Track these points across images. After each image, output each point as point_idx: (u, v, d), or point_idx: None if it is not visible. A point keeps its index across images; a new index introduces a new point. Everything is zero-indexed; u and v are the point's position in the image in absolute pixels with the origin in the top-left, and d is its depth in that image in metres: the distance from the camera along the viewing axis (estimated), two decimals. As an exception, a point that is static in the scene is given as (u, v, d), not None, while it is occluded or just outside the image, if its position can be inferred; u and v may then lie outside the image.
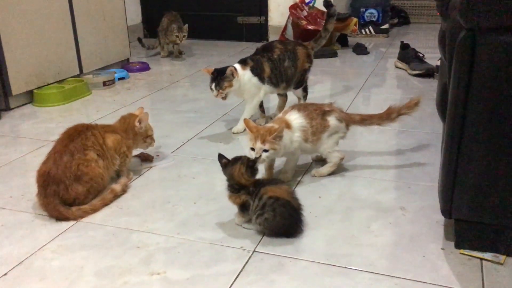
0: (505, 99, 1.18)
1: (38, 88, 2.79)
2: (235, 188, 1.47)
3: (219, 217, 1.57)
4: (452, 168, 1.28)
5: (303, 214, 1.47)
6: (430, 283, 1.25)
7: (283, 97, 2.47)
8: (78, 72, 3.10)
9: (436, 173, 1.51)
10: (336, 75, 3.37)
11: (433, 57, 3.24)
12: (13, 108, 2.69)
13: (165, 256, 1.38)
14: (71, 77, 3.02)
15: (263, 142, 1.60)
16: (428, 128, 2.30)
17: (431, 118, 2.35)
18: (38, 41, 2.78)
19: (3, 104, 2.64)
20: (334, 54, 3.82)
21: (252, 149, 1.62)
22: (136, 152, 1.95)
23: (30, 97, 2.78)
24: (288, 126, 1.72)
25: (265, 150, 1.61)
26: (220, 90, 2.13)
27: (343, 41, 4.13)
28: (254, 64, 2.21)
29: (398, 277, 1.28)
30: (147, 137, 1.90)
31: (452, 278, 1.27)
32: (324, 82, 3.18)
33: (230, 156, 1.51)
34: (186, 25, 3.71)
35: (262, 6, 4.39)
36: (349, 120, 1.84)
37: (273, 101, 2.64)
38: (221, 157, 1.50)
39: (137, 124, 1.84)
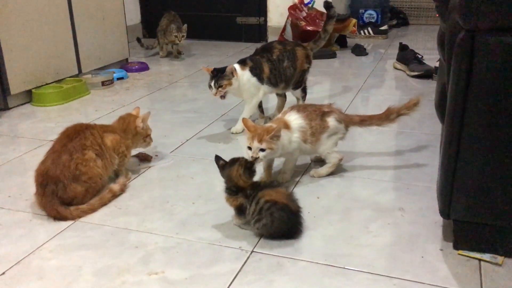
0: (504, 99, 1.18)
1: (37, 87, 2.79)
2: (232, 190, 1.46)
3: (218, 217, 1.57)
4: (450, 169, 1.28)
5: (302, 217, 1.47)
6: (429, 284, 1.25)
7: (282, 97, 2.47)
8: (77, 72, 3.10)
9: (434, 174, 1.51)
10: (335, 76, 3.38)
11: (432, 59, 3.24)
12: (11, 108, 2.69)
13: (164, 256, 1.38)
14: (69, 76, 3.02)
15: (260, 141, 1.60)
16: (427, 129, 2.30)
17: (430, 119, 2.35)
18: (37, 41, 2.78)
19: (2, 103, 2.64)
20: (333, 55, 3.82)
21: (249, 148, 1.62)
22: (134, 152, 1.95)
23: (28, 96, 2.78)
24: (287, 126, 1.72)
25: (262, 150, 1.61)
26: (220, 89, 2.13)
27: (342, 42, 4.13)
28: (253, 65, 2.21)
29: (397, 278, 1.28)
30: (147, 136, 1.90)
31: (450, 279, 1.27)
32: (323, 83, 3.18)
33: (228, 156, 1.51)
34: (185, 25, 3.71)
35: (261, 7, 4.39)
36: (349, 121, 1.84)
37: (272, 101, 2.64)
38: (218, 158, 1.49)
39: (139, 124, 1.84)
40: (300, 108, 1.81)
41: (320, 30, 2.48)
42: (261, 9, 4.40)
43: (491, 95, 1.19)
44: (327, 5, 2.49)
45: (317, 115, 1.78)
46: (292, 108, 1.82)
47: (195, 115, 2.57)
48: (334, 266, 1.33)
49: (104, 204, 1.65)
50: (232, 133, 2.29)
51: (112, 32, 3.40)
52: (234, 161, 1.47)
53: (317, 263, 1.34)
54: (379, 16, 4.51)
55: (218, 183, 1.72)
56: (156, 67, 3.61)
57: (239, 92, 2.22)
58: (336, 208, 1.63)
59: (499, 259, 1.33)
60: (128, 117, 1.87)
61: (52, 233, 1.50)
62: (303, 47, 2.36)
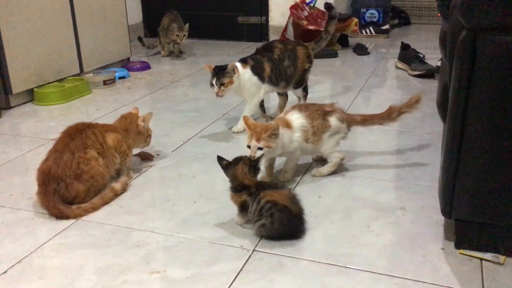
0: (506, 98, 1.18)
1: (39, 86, 2.79)
2: (237, 189, 1.47)
3: (219, 216, 1.57)
4: (452, 168, 1.28)
5: (304, 219, 1.46)
6: (430, 283, 1.25)
7: (284, 96, 2.47)
8: (79, 71, 3.10)
9: (436, 173, 1.51)
10: (337, 75, 3.37)
11: (434, 58, 3.24)
12: (13, 107, 2.69)
13: (165, 255, 1.38)
14: (71, 76, 3.02)
15: (258, 140, 1.60)
16: (428, 128, 2.30)
17: (431, 119, 2.35)
18: (39, 40, 2.78)
19: (4, 102, 2.64)
20: (334, 55, 3.82)
21: (249, 146, 1.62)
22: (136, 151, 1.95)
23: (30, 95, 2.78)
24: (288, 126, 1.72)
25: (260, 148, 1.61)
26: (222, 87, 2.12)
27: (343, 42, 4.13)
28: (254, 64, 2.21)
29: (398, 277, 1.28)
30: (148, 136, 1.90)
31: (452, 278, 1.27)
32: (324, 82, 3.18)
33: (230, 156, 1.51)
34: (187, 25, 3.71)
35: (263, 6, 4.38)
36: (351, 121, 1.84)
37: (273, 100, 2.64)
38: (220, 159, 1.49)
39: (140, 123, 1.85)
40: (302, 107, 1.81)
41: (322, 29, 2.48)
42: (263, 9, 4.39)
43: (493, 94, 1.19)
44: (328, 6, 2.49)
45: (319, 114, 1.78)
46: (294, 107, 1.82)
47: (197, 114, 2.57)
48: (335, 265, 1.33)
49: (105, 203, 1.65)
50: (234, 132, 2.29)
51: (114, 31, 3.40)
52: (238, 160, 1.48)
53: (319, 262, 1.34)
54: (381, 15, 4.51)
55: (220, 182, 1.72)
56: (158, 67, 3.62)
57: (240, 91, 2.22)
58: (337, 207, 1.63)
59: (501, 258, 1.33)
60: (130, 116, 1.87)
61: (54, 231, 1.50)
62: (304, 47, 2.36)
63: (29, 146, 2.15)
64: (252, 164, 1.47)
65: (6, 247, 1.43)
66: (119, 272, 1.31)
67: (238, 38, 4.48)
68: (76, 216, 1.57)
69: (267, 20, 4.42)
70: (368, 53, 3.92)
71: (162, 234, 1.48)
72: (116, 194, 1.70)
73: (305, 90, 2.41)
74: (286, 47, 2.29)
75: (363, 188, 1.76)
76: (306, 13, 3.93)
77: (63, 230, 1.51)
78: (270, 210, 1.39)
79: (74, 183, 1.58)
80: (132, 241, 1.45)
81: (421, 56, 3.32)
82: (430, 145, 2.11)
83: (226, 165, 1.48)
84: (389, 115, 1.85)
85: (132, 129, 1.84)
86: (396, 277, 1.28)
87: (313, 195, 1.70)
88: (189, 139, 2.23)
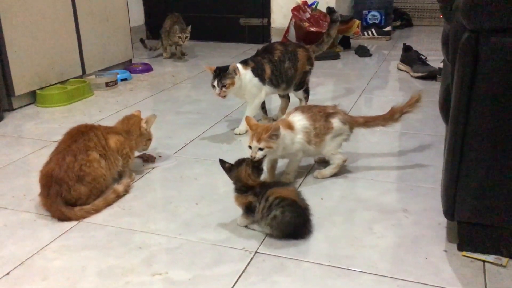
0: (509, 100, 1.18)
1: (41, 88, 2.80)
2: (242, 190, 1.47)
3: (221, 218, 1.57)
4: (455, 170, 1.28)
5: (311, 213, 1.47)
6: (433, 285, 1.25)
7: (285, 98, 2.47)
8: (81, 73, 3.11)
9: (438, 175, 1.51)
10: (338, 77, 3.37)
11: (436, 60, 3.24)
12: (16, 109, 2.69)
13: (167, 257, 1.38)
14: (73, 78, 3.02)
15: (259, 140, 1.60)
16: (430, 130, 2.29)
17: (433, 120, 2.34)
18: (41, 42, 2.79)
19: (6, 104, 2.65)
20: (336, 56, 3.82)
21: (250, 147, 1.62)
22: (137, 153, 1.95)
23: (33, 97, 2.79)
24: (291, 127, 1.72)
25: (260, 149, 1.61)
26: (223, 89, 2.12)
27: (345, 43, 4.13)
28: (255, 65, 2.22)
29: (401, 279, 1.27)
30: (148, 139, 1.90)
31: (454, 280, 1.27)
32: (326, 84, 3.18)
33: (232, 157, 1.52)
34: (189, 26, 3.71)
35: (265, 8, 4.39)
36: (353, 123, 1.84)
37: (275, 102, 2.64)
38: (223, 162, 1.50)
39: (143, 124, 1.85)
40: (305, 109, 1.81)
41: (324, 31, 2.49)
42: (265, 11, 4.40)
43: (495, 95, 1.19)
44: (330, 10, 2.50)
45: (321, 116, 1.77)
46: (297, 109, 1.82)
47: (199, 116, 2.57)
48: (337, 267, 1.33)
49: (108, 204, 1.65)
50: (236, 134, 2.29)
51: (116, 33, 3.41)
52: (240, 162, 1.48)
53: (321, 264, 1.34)
54: (383, 17, 4.51)
55: (221, 184, 1.72)
56: (160, 68, 3.62)
57: (240, 92, 2.22)
58: (339, 209, 1.63)
59: (504, 260, 1.32)
60: (133, 118, 1.87)
61: (56, 233, 1.50)
62: (305, 49, 2.36)
63: (32, 148, 2.16)
64: (255, 165, 1.47)
65: (9, 248, 1.43)
66: (121, 274, 1.31)
67: (240, 40, 4.48)
68: (79, 218, 1.57)
69: (269, 22, 4.42)
70: (370, 55, 3.92)
71: (164, 236, 1.48)
72: (118, 196, 1.70)
73: (306, 92, 2.41)
74: (286, 49, 2.30)
75: (365, 190, 1.76)
76: (308, 15, 3.94)
77: (66, 232, 1.51)
78: (280, 203, 1.41)
79: (76, 185, 1.58)
80: (134, 243, 1.45)
81: (423, 57, 3.32)
82: (432, 147, 2.11)
83: (229, 168, 1.49)
84: (392, 116, 1.85)
85: (134, 130, 1.84)
86: (398, 279, 1.28)
87: (315, 197, 1.69)
88: (191, 141, 2.23)
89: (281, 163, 1.86)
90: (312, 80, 2.50)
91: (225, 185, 1.51)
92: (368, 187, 1.78)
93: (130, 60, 3.62)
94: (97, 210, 1.61)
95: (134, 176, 1.86)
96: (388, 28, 4.56)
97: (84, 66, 3.13)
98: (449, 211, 1.33)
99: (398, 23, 5.08)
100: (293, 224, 1.42)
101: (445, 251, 1.39)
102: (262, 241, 1.44)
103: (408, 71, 3.32)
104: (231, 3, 4.45)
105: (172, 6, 4.28)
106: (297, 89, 2.37)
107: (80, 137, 1.66)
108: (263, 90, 2.25)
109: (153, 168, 1.96)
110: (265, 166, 1.77)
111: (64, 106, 2.74)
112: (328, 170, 1.84)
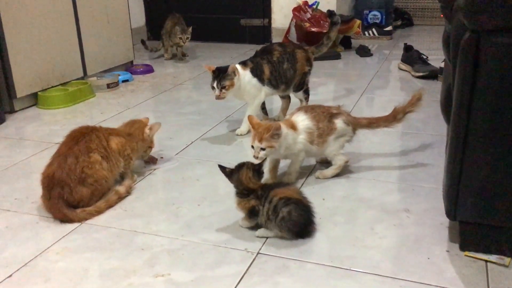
0: (510, 100, 1.18)
1: (43, 90, 2.80)
2: (244, 194, 1.47)
3: (223, 219, 1.57)
4: (456, 169, 1.28)
5: (315, 211, 1.47)
6: (435, 285, 1.25)
7: (286, 99, 2.47)
8: (82, 75, 3.11)
9: (440, 175, 1.51)
10: (339, 77, 3.37)
11: (437, 59, 3.24)
12: (17, 111, 2.70)
13: (169, 258, 1.38)
14: (75, 79, 3.03)
15: (260, 140, 1.60)
16: (432, 129, 2.29)
17: (435, 120, 2.34)
18: (43, 44, 2.79)
19: (8, 106, 2.65)
20: (337, 56, 3.82)
21: (253, 147, 1.62)
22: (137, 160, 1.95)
23: (34, 99, 2.79)
24: (293, 127, 1.72)
25: (262, 149, 1.61)
26: (223, 90, 2.12)
27: (346, 43, 4.13)
28: (254, 66, 2.22)
29: (403, 279, 1.27)
30: (149, 147, 1.90)
31: (457, 281, 1.26)
32: (327, 84, 3.18)
33: (233, 158, 1.52)
34: (190, 27, 3.71)
35: (265, 8, 4.39)
36: (356, 124, 1.84)
37: (276, 103, 2.64)
38: (222, 168, 1.49)
39: (147, 131, 1.85)
40: (308, 109, 1.81)
41: (324, 31, 2.48)
42: (265, 11, 4.40)
43: (496, 95, 1.19)
44: (330, 13, 2.50)
45: (325, 116, 1.77)
46: (300, 109, 1.82)
47: (200, 117, 2.57)
48: (339, 267, 1.33)
49: (110, 206, 1.65)
50: (237, 134, 2.29)
51: (117, 34, 3.41)
52: (241, 165, 1.48)
53: (323, 264, 1.34)
54: (384, 17, 4.51)
55: (223, 185, 1.72)
56: (161, 70, 3.63)
57: (240, 93, 2.22)
58: (341, 209, 1.63)
59: (506, 260, 1.32)
60: (138, 123, 1.88)
61: (58, 235, 1.50)
62: (304, 50, 2.36)
63: (33, 150, 2.16)
64: (256, 168, 1.47)
65: (11, 250, 1.43)
66: (123, 275, 1.31)
67: (241, 40, 4.49)
68: (81, 220, 1.57)
69: (269, 23, 4.42)
70: (371, 55, 3.92)
71: (166, 237, 1.48)
72: (120, 198, 1.70)
73: (306, 93, 2.41)
74: (285, 50, 2.30)
75: (367, 190, 1.76)
76: (309, 15, 3.94)
77: (68, 233, 1.51)
78: (285, 204, 1.41)
79: (78, 187, 1.58)
80: (137, 244, 1.45)
81: (424, 57, 3.31)
82: (434, 147, 2.11)
83: (230, 172, 1.48)
84: (395, 117, 1.85)
85: (136, 135, 1.84)
86: (400, 279, 1.28)
87: (317, 197, 1.69)
88: (192, 142, 2.23)
89: (283, 164, 1.86)
90: (313, 80, 2.50)
91: (227, 186, 1.51)
92: (370, 187, 1.78)
93: (131, 61, 3.62)
94: (99, 212, 1.61)
95: (135, 177, 1.86)
96: (389, 28, 4.56)
97: (86, 67, 3.13)
98: (451, 211, 1.33)
99: (399, 22, 5.07)
100: (301, 223, 1.43)
101: (447, 251, 1.38)
102: (264, 242, 1.44)
103: (409, 71, 3.31)
104: (231, 4, 4.45)
105: (173, 7, 4.28)
106: (297, 90, 2.37)
107: (81, 138, 1.66)
108: (262, 91, 2.25)
109: (154, 169, 1.96)
110: (267, 167, 1.78)
111: (66, 108, 2.75)
112: (330, 171, 1.84)
